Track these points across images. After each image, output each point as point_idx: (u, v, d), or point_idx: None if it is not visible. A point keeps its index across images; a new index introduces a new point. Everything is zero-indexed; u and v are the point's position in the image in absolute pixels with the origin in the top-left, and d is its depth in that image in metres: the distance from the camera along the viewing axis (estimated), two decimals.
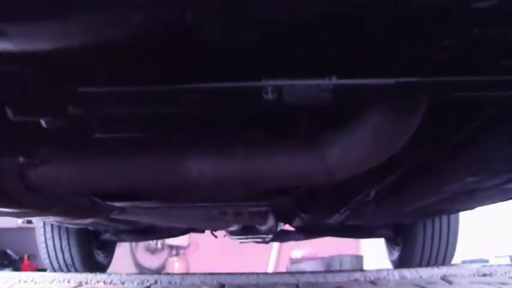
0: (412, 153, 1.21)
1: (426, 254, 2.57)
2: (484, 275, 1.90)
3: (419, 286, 1.65)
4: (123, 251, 6.71)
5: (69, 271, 2.54)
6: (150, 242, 6.78)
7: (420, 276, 1.88)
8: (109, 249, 2.99)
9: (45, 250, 2.55)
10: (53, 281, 1.85)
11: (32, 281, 1.85)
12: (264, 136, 1.10)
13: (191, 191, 1.40)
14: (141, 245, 6.83)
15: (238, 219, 1.95)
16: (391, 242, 2.95)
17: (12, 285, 1.78)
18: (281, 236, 3.00)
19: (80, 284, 1.80)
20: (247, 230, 2.34)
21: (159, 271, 6.46)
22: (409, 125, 0.91)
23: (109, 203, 1.38)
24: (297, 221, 2.18)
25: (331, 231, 2.89)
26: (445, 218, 2.50)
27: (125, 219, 1.81)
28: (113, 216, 1.50)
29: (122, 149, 1.04)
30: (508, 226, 4.86)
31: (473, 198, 1.57)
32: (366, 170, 1.01)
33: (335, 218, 2.16)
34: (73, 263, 2.58)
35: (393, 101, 0.88)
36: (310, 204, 1.90)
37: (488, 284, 1.65)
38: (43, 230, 2.52)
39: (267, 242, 3.16)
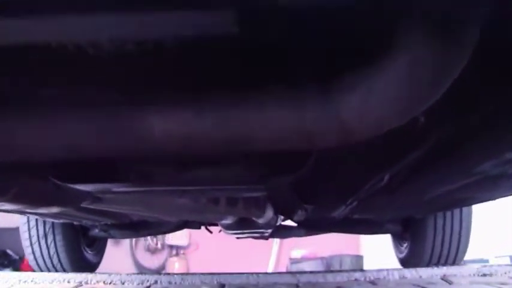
0: (444, 120, 0.94)
1: (436, 251, 2.42)
2: (484, 275, 1.90)
3: (419, 286, 1.65)
4: (123, 251, 6.72)
5: (56, 270, 2.44)
6: (150, 242, 6.79)
7: (420, 276, 1.88)
8: (99, 247, 2.84)
9: (28, 243, 2.43)
10: (53, 281, 1.85)
11: (32, 281, 1.85)
12: (252, 80, 0.79)
13: (157, 160, 1.09)
14: (141, 245, 6.84)
15: (233, 210, 1.60)
16: (398, 238, 2.77)
17: (12, 285, 1.79)
18: (281, 232, 2.73)
19: (80, 284, 1.80)
20: (243, 224, 1.99)
21: (159, 271, 6.47)
22: (454, 64, 0.65)
23: (71, 185, 1.12)
24: (299, 214, 1.90)
25: (334, 227, 2.62)
26: (457, 213, 2.35)
27: (103, 209, 1.58)
28: (88, 205, 1.27)
29: (64, 104, 0.78)
30: (508, 226, 4.86)
31: (498, 185, 1.37)
32: (392, 129, 0.74)
33: (340, 211, 1.89)
34: (59, 261, 2.45)
35: (435, 27, 0.61)
36: (314, 192, 1.63)
37: (488, 284, 1.65)
38: (27, 226, 2.41)
39: (266, 238, 2.83)
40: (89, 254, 2.68)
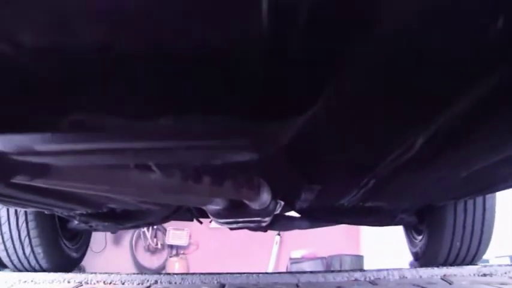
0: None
1: (456, 245, 2.16)
2: (484, 275, 1.90)
3: (419, 286, 1.65)
4: (123, 251, 6.73)
5: (33, 268, 2.27)
6: (150, 242, 6.80)
7: (420, 276, 1.88)
8: (81, 241, 2.63)
9: (0, 240, 2.20)
10: (53, 281, 1.85)
11: (32, 281, 1.85)
12: None
13: (95, 104, 0.70)
14: (141, 245, 6.85)
15: (219, 190, 1.24)
16: (412, 231, 2.52)
17: (12, 285, 1.79)
18: (282, 223, 2.38)
19: (80, 284, 1.80)
20: (235, 210, 1.63)
21: (159, 271, 6.47)
22: None
23: None
24: (302, 199, 1.61)
25: (341, 217, 2.30)
26: (479, 204, 2.11)
27: (59, 190, 1.29)
28: (29, 182, 0.96)
29: None
30: (508, 226, 4.86)
31: None
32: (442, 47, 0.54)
33: (352, 195, 1.59)
34: (35, 258, 2.24)
35: None
36: (322, 165, 1.26)
37: (488, 284, 1.65)
38: None
39: (264, 230, 2.46)
40: (69, 249, 2.47)
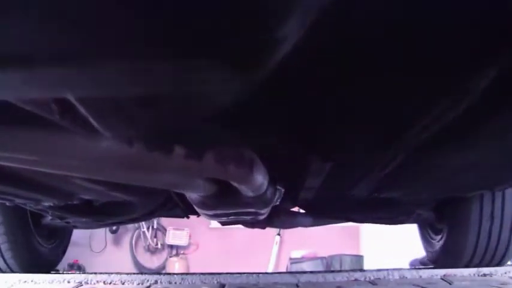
0: None
1: (481, 246, 1.92)
2: (484, 275, 1.90)
3: (419, 286, 1.65)
4: (123, 251, 6.73)
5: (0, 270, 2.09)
6: (150, 242, 6.80)
7: (420, 276, 1.88)
8: (57, 238, 2.39)
9: None
10: (52, 281, 1.85)
11: (32, 281, 1.85)
12: None
13: None
14: (141, 245, 6.85)
15: (197, 166, 0.88)
16: (428, 229, 2.29)
17: (12, 285, 1.79)
18: (282, 219, 2.07)
19: (80, 284, 1.80)
20: (224, 198, 1.21)
21: (159, 271, 6.47)
22: None
23: None
24: (308, 184, 1.34)
25: (349, 212, 2.02)
26: (509, 201, 1.87)
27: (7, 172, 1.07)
28: None
29: None
30: None
31: None
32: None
33: (369, 179, 1.33)
34: (3, 259, 2.03)
35: None
36: (336, 121, 0.91)
37: (488, 284, 1.65)
38: None
39: (262, 227, 2.12)
40: (44, 248, 2.22)
